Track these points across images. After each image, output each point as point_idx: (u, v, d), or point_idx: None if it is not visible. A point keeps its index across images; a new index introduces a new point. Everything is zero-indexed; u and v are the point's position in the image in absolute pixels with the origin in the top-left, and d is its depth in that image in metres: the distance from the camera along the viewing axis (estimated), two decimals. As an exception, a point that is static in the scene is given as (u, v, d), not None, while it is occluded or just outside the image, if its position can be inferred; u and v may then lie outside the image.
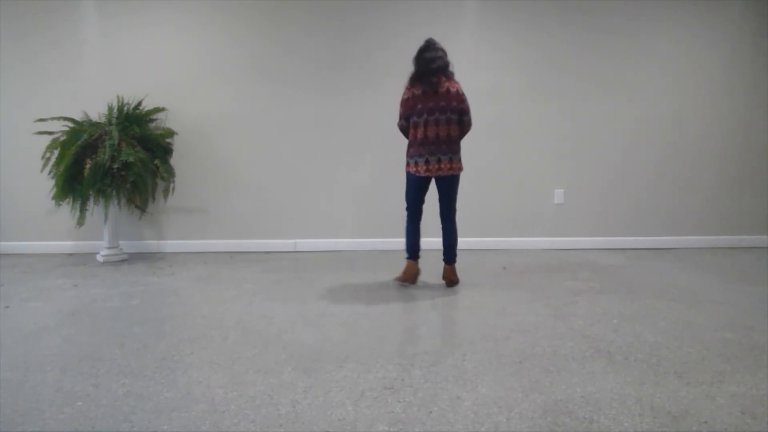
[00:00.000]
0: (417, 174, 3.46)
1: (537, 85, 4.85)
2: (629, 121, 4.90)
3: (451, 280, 3.61)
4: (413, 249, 3.59)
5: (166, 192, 4.70)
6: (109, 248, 4.60)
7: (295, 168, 4.93)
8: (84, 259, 4.68)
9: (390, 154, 4.73)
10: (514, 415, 1.86)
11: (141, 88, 4.76)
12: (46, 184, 4.53)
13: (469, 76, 4.81)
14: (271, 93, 4.87)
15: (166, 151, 4.71)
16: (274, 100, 4.87)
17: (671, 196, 4.99)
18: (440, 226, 3.58)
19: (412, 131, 3.45)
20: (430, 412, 1.88)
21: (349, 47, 4.82)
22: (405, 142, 3.64)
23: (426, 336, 2.70)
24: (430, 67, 3.34)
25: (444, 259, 3.61)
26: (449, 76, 3.41)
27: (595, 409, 1.89)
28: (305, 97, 4.86)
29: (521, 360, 2.33)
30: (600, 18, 4.80)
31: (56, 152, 4.37)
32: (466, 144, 4.70)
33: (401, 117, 3.48)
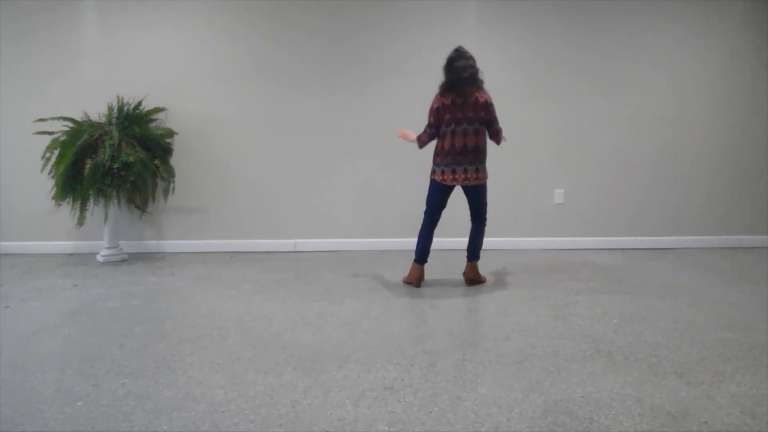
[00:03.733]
0: (443, 182, 3.48)
1: (537, 86, 4.85)
2: (629, 121, 4.90)
3: (470, 278, 3.64)
4: (422, 253, 3.60)
5: (166, 192, 4.70)
6: (109, 248, 4.60)
7: (295, 168, 4.93)
8: (84, 259, 4.68)
9: (390, 154, 4.73)
10: (514, 415, 1.86)
11: (141, 88, 4.76)
12: (46, 184, 4.53)
13: (469, 76, 4.83)
14: (271, 93, 4.86)
15: (166, 151, 4.71)
16: (274, 100, 4.86)
17: (671, 196, 4.99)
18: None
19: (439, 140, 3.47)
20: (430, 412, 1.88)
21: (349, 48, 4.82)
22: (406, 142, 3.65)
23: (426, 336, 2.70)
24: (462, 77, 3.35)
25: (467, 256, 3.65)
26: (479, 85, 3.43)
27: (595, 409, 1.89)
28: (305, 97, 4.86)
29: (521, 360, 2.34)
30: (600, 18, 4.80)
31: (56, 152, 4.37)
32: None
33: (430, 125, 3.48)
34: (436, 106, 3.43)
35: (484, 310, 3.09)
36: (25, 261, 4.62)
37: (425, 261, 3.62)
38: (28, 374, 2.24)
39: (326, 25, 4.80)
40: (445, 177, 3.45)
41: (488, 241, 4.88)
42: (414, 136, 3.59)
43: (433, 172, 3.52)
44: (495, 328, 2.75)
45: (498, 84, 4.83)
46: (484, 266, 4.20)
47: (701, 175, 4.98)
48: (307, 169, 4.93)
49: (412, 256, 3.62)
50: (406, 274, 3.69)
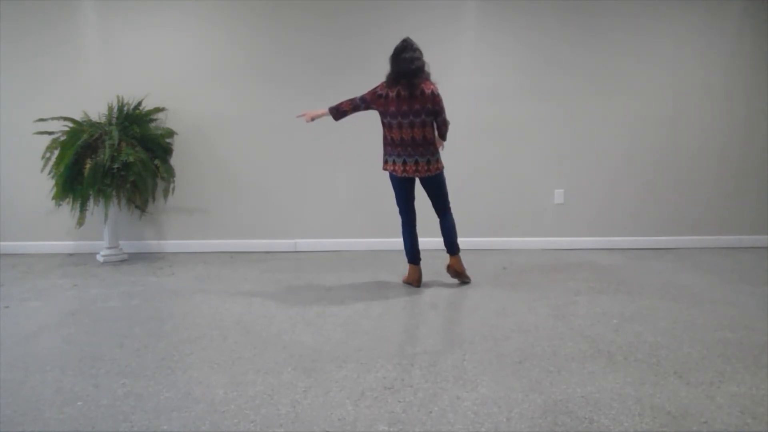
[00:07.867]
0: (395, 174, 3.48)
1: (537, 86, 4.84)
2: (629, 120, 4.89)
3: (456, 271, 3.60)
4: (412, 253, 3.60)
5: (166, 192, 4.70)
6: (109, 248, 4.60)
7: (295, 168, 4.93)
8: (84, 259, 4.68)
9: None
10: (514, 415, 1.86)
11: (141, 88, 4.76)
12: (46, 184, 4.53)
13: (468, 76, 4.83)
14: (271, 93, 4.86)
15: (166, 151, 4.71)
16: (274, 100, 4.86)
17: (671, 196, 4.98)
18: (437, 221, 3.61)
19: (386, 131, 3.48)
20: (430, 412, 1.88)
21: (349, 47, 4.82)
22: (318, 121, 3.66)
23: (426, 336, 2.70)
24: (409, 69, 3.33)
25: (447, 251, 3.62)
26: (426, 77, 3.42)
27: (595, 409, 1.89)
28: (305, 97, 4.84)
29: (521, 360, 2.34)
30: (599, 18, 4.79)
31: (56, 152, 4.37)
32: (466, 144, 4.72)
33: (362, 100, 3.46)
34: (380, 92, 3.41)
35: (484, 310, 3.09)
36: (25, 261, 4.62)
37: (418, 260, 3.61)
38: (28, 374, 2.24)
39: (326, 25, 4.80)
40: (396, 168, 3.45)
41: (489, 241, 4.93)
42: (323, 111, 3.56)
43: (385, 162, 3.52)
44: (495, 328, 2.75)
45: (498, 84, 4.86)
46: (484, 266, 4.21)
47: (701, 175, 4.98)
48: (307, 169, 4.93)
49: (411, 257, 3.63)
50: (406, 274, 3.69)
